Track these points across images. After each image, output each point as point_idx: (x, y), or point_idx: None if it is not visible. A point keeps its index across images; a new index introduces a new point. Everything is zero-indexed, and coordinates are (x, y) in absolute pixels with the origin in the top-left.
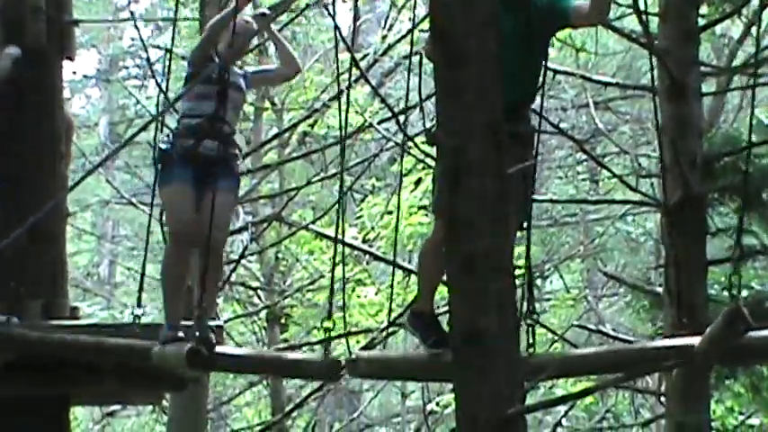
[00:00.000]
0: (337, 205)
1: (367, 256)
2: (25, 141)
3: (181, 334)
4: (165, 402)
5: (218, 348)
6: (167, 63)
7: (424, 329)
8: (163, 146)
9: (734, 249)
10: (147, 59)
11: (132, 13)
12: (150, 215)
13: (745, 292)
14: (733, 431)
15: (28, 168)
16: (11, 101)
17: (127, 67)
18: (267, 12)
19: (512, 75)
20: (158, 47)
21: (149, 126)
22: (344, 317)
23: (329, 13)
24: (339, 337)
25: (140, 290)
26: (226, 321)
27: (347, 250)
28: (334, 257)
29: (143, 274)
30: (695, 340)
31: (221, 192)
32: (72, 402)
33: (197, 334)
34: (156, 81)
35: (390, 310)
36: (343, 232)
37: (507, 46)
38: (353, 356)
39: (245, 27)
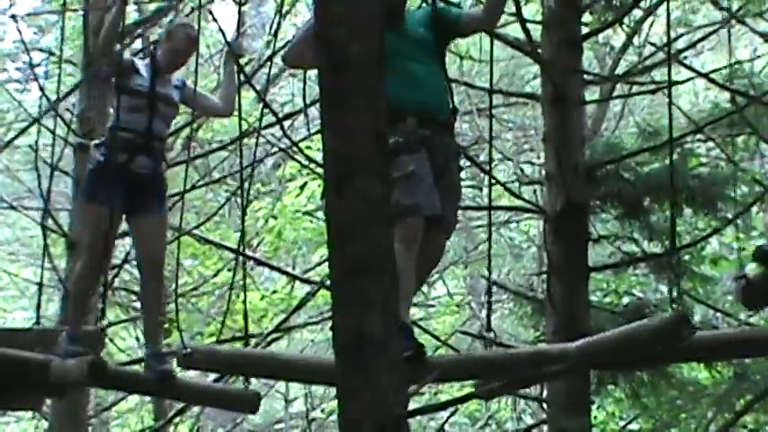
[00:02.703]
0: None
1: (251, 262)
2: None
3: (81, 348)
4: (45, 408)
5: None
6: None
7: None
8: (99, 157)
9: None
10: (30, 62)
11: (14, 16)
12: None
13: (626, 299)
14: None
15: None
16: None
17: (6, 70)
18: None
19: (434, 88)
20: (41, 49)
21: (30, 130)
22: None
23: (213, 18)
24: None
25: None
26: (108, 325)
27: (230, 255)
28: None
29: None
30: (573, 345)
31: (154, 213)
32: None
33: (150, 365)
34: (39, 84)
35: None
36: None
37: (425, 59)
38: (189, 350)
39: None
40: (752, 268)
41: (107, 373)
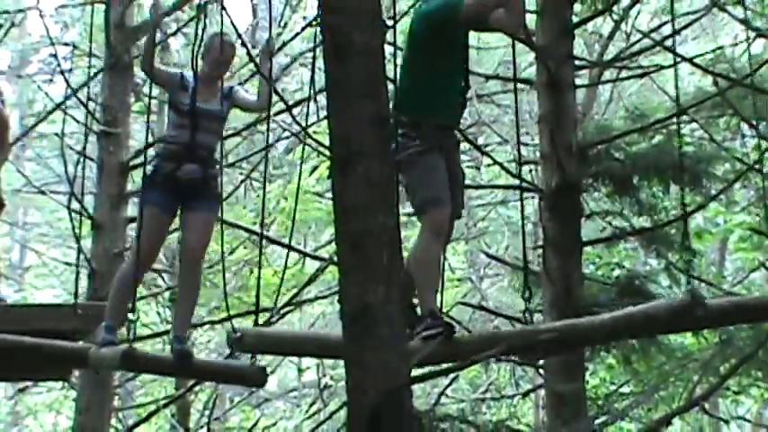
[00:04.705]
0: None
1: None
2: None
3: (116, 338)
4: (74, 379)
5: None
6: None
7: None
8: (151, 167)
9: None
10: (55, 55)
11: (40, 10)
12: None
13: (617, 271)
14: (605, 399)
15: None
16: None
17: (32, 62)
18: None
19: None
20: (66, 43)
21: (57, 118)
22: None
23: (223, 10)
24: (238, 315)
25: None
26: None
27: (243, 234)
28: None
29: None
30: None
31: (201, 213)
32: None
33: (172, 347)
34: (64, 75)
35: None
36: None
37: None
38: (239, 334)
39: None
40: None
41: (136, 359)
